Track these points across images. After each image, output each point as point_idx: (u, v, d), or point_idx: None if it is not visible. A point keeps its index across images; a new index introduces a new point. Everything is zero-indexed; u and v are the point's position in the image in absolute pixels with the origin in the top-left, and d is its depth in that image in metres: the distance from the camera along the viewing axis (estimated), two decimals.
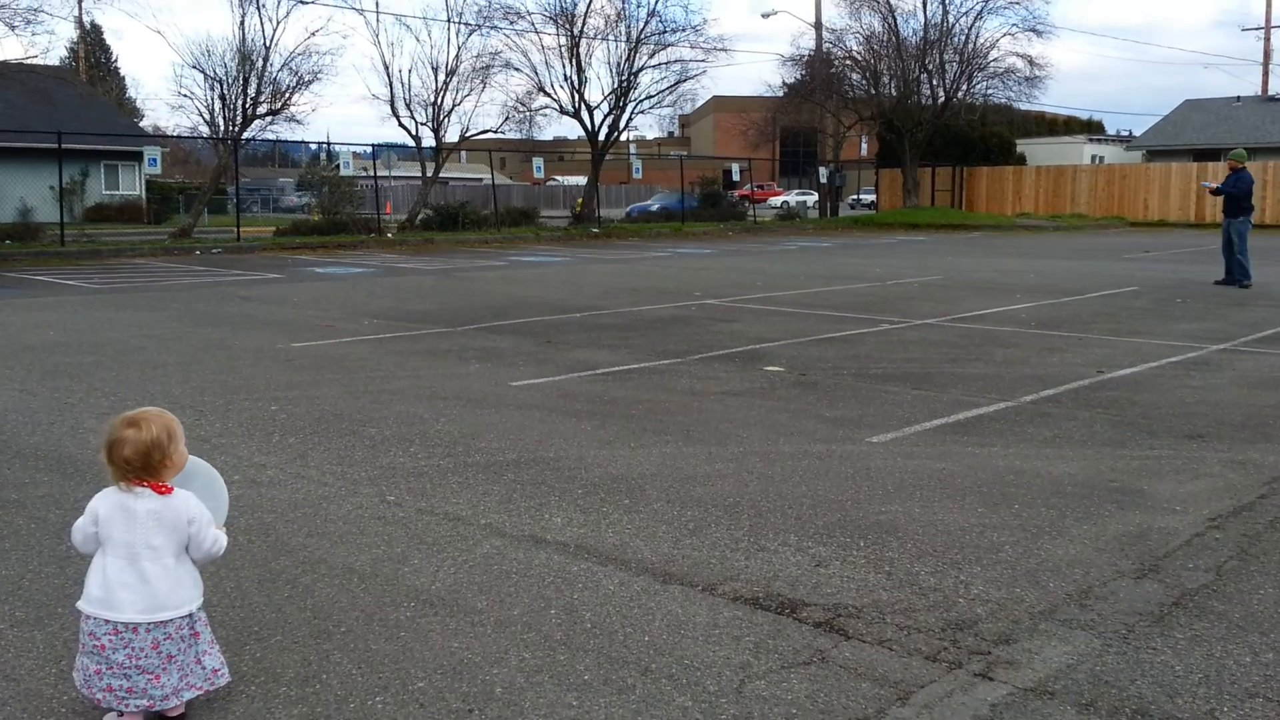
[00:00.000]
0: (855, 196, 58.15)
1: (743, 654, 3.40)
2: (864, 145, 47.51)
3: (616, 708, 3.05)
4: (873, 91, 42.22)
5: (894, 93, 41.93)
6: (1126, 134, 59.74)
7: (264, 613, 3.71)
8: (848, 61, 42.82)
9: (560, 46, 34.67)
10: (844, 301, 13.87)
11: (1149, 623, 3.67)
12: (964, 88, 41.54)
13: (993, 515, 4.85)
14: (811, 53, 42.63)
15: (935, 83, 41.59)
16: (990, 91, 42.19)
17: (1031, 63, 40.92)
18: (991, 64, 41.21)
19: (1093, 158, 51.14)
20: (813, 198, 51.74)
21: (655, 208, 42.80)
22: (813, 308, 13.15)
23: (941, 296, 14.50)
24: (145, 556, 2.90)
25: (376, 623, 3.64)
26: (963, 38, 40.82)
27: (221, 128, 28.61)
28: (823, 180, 43.36)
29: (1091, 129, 64.52)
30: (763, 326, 11.35)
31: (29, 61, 29.04)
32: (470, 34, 39.82)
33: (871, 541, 4.49)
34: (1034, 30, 40.73)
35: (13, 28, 25.38)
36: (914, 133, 40.85)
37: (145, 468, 2.89)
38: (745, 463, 5.75)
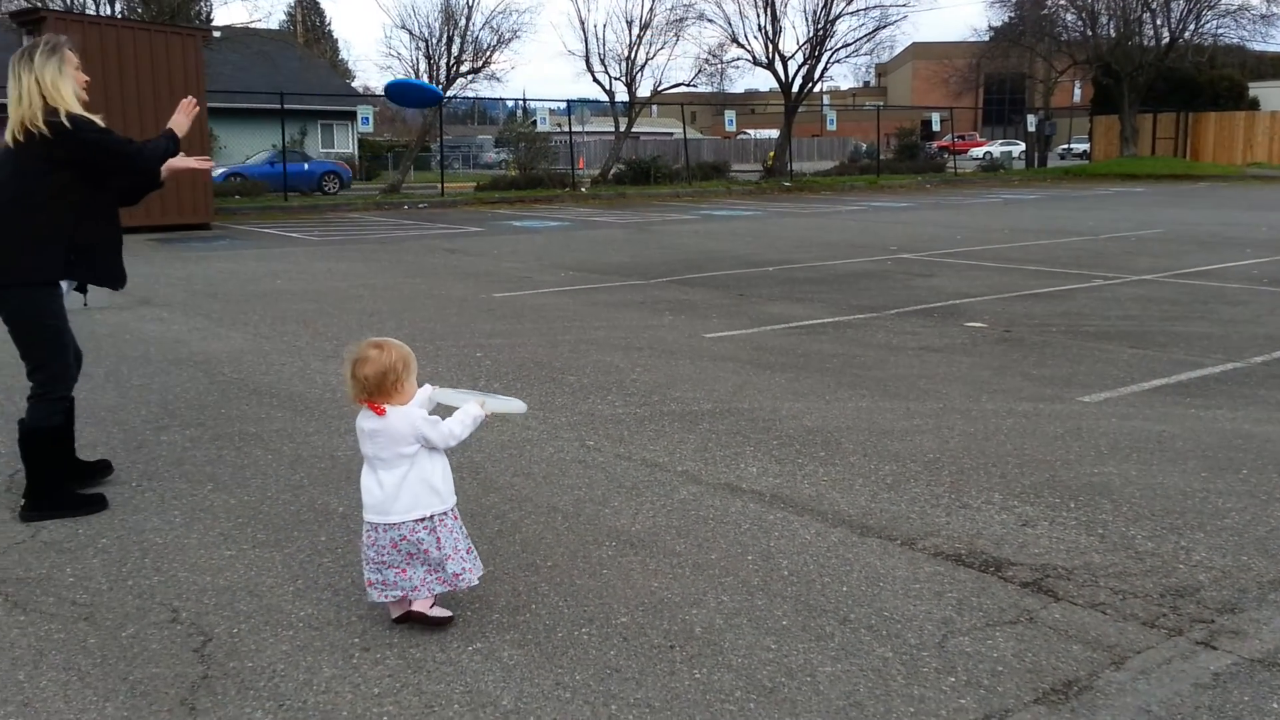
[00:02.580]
0: (1065, 146, 55.18)
1: (945, 609, 3.35)
2: (1077, 91, 45.03)
3: (815, 654, 3.07)
4: (1089, 33, 39.79)
5: (1112, 34, 39.40)
6: None
7: (477, 544, 3.88)
8: (1062, 1, 40.49)
9: None
10: (1052, 256, 13.25)
11: None
12: (1191, 27, 38.66)
13: (1217, 480, 4.57)
14: None
15: (1159, 22, 38.86)
16: (1221, 31, 39.14)
17: None
18: (1222, 1, 38.13)
19: None
20: (1019, 148, 49.44)
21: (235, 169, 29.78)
22: (1018, 262, 12.63)
23: (1162, 251, 13.64)
24: (378, 466, 3.21)
25: (580, 559, 3.78)
26: None
27: None
28: (1030, 129, 41.31)
29: None
30: (963, 281, 10.98)
31: (253, 26, 30.94)
32: None
33: (1083, 503, 4.32)
34: None
35: None
36: (1134, 76, 38.32)
37: (379, 387, 3.15)
38: (945, 419, 5.61)
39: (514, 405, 3.43)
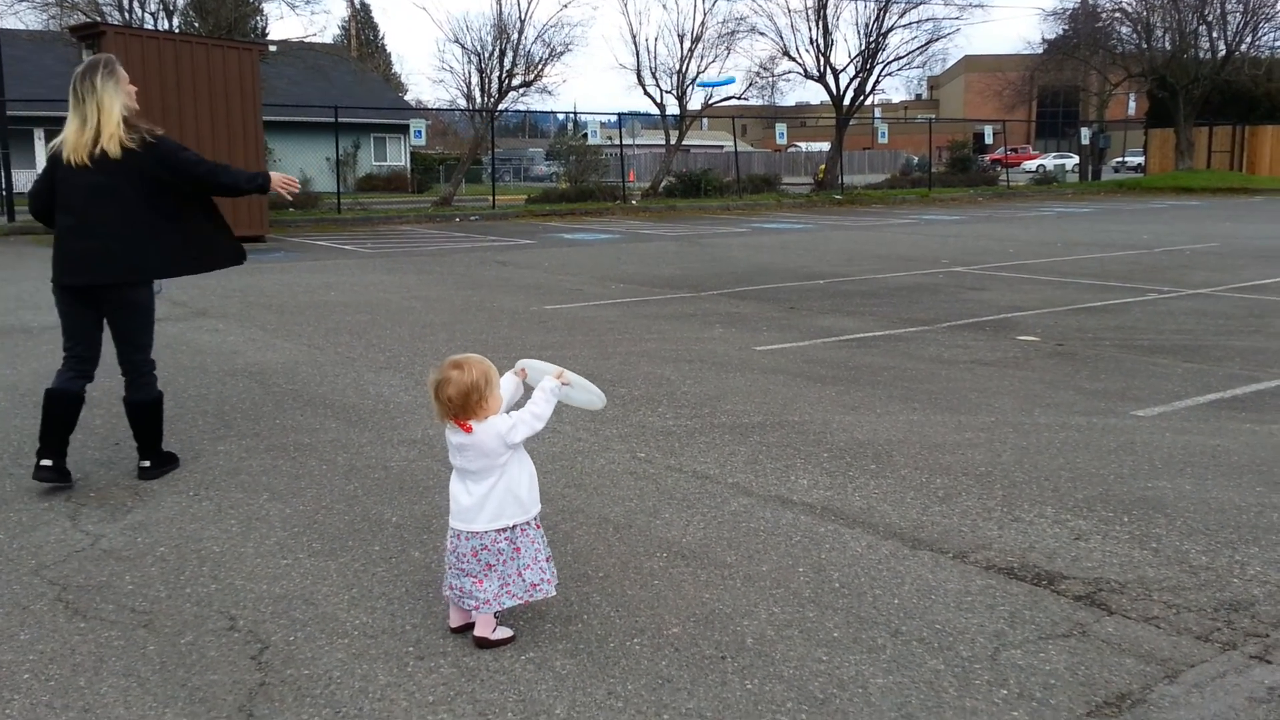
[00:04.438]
0: (1120, 159, 54.47)
1: (997, 622, 3.34)
2: (1132, 104, 44.37)
3: (867, 665, 3.07)
4: (1144, 46, 39.23)
5: (1168, 46, 38.82)
6: None
7: None
8: (1116, 14, 39.98)
9: (806, 9, 34.36)
10: (1106, 269, 13.09)
11: None
12: (1248, 40, 37.96)
13: (1273, 495, 4.50)
14: (1076, 6, 40.06)
15: (1215, 35, 38.23)
16: (1278, 43, 38.40)
17: None
18: None
19: None
20: (1072, 161, 48.86)
21: None
22: (1071, 276, 12.49)
23: (1217, 264, 13.42)
24: (468, 476, 3.27)
25: (631, 570, 3.81)
26: None
27: (478, 100, 30.04)
28: (1084, 142, 40.81)
29: None
30: (1015, 295, 10.89)
31: (307, 40, 31.46)
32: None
33: (1136, 517, 4.28)
34: None
35: (293, 7, 27.66)
36: (1189, 89, 37.71)
37: (464, 406, 3.20)
38: (997, 432, 5.58)
39: (594, 393, 3.50)
